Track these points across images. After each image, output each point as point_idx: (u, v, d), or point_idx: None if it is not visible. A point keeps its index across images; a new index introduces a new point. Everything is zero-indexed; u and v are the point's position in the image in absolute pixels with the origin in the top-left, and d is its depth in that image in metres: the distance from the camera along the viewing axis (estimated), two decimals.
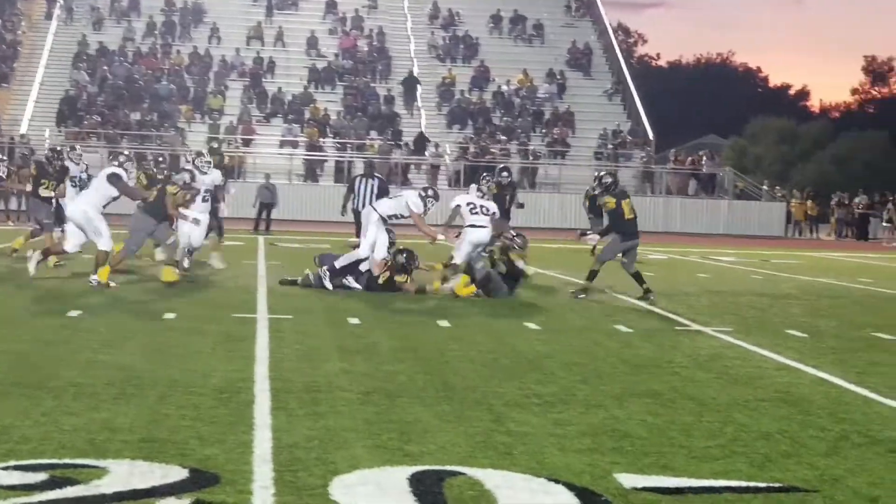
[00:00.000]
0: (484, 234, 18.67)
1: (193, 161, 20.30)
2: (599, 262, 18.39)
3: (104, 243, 17.45)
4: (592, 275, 18.24)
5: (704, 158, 53.23)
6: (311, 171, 47.95)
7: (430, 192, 18.16)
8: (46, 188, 20.85)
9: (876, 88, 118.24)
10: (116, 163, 18.26)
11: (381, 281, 17.64)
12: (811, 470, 7.39)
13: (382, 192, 21.80)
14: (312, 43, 56.99)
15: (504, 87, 55.17)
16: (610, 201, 18.32)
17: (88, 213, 17.51)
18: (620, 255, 18.31)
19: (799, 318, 16.35)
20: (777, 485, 7.01)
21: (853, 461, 7.67)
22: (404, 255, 17.81)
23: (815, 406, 9.56)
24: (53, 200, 21.03)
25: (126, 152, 20.06)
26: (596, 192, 18.60)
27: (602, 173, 20.00)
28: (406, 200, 17.91)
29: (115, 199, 17.98)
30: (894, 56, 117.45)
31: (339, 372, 10.37)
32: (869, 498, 6.78)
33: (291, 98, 52.82)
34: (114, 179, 17.64)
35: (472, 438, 7.88)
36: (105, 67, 53.24)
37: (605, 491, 6.70)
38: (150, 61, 54.51)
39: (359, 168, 41.16)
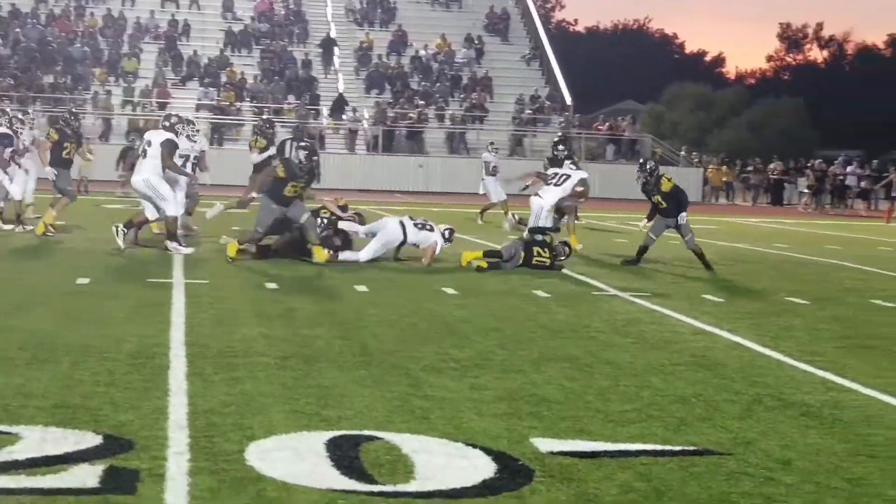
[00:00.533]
0: (536, 201, 20.30)
1: (183, 128, 20.08)
2: (696, 244, 18.42)
3: (171, 208, 17.42)
4: (701, 257, 18.39)
5: (626, 123, 53.48)
6: (217, 135, 47.16)
7: (453, 237, 18.06)
8: (69, 152, 20.39)
9: (791, 55, 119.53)
10: (167, 124, 18.08)
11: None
12: (725, 433, 7.46)
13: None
14: (228, 6, 56.43)
15: (422, 52, 55.00)
16: (671, 180, 18.79)
17: (150, 180, 17.39)
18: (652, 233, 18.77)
19: (715, 283, 16.50)
20: (692, 448, 7.08)
21: (766, 424, 7.76)
22: (340, 237, 17.78)
23: (729, 370, 9.67)
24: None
25: (177, 114, 19.81)
26: (640, 180, 18.67)
27: (642, 160, 20.77)
28: (435, 239, 17.66)
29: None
30: (809, 23, 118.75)
31: (257, 337, 10.32)
32: (781, 460, 6.86)
33: (207, 61, 52.28)
34: (168, 146, 17.49)
35: (389, 403, 7.88)
36: (18, 30, 52.36)
37: (521, 455, 6.72)
38: (64, 23, 53.71)
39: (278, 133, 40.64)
